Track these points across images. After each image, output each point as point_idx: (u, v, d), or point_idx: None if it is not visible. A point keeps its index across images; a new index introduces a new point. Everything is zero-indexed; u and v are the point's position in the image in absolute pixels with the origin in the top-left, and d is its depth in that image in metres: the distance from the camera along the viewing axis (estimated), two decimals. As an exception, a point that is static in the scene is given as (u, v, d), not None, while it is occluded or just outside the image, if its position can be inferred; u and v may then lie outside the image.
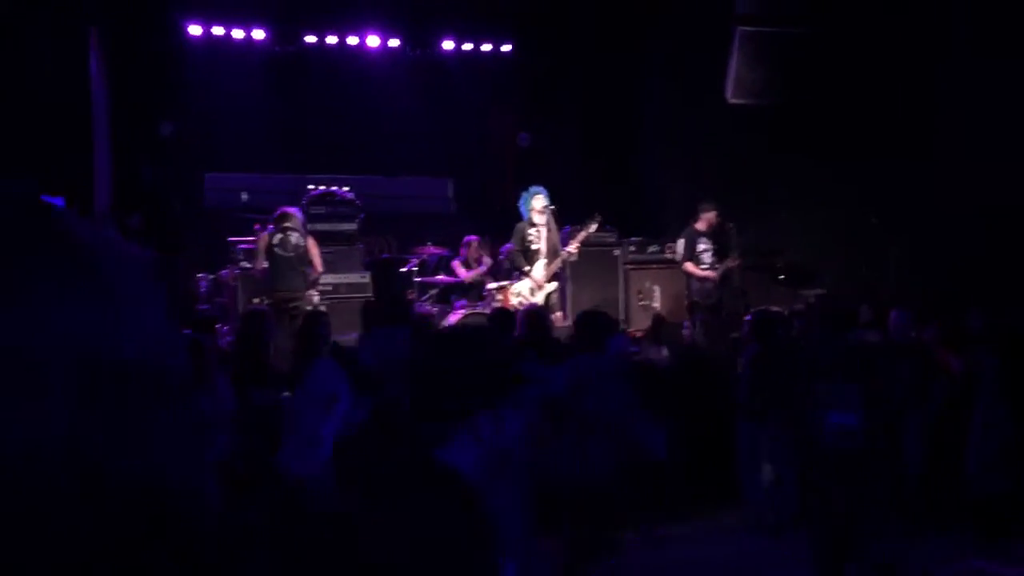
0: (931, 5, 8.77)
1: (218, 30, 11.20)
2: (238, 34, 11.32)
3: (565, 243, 9.17)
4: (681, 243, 9.69)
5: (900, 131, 9.53)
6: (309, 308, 8.07)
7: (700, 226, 9.67)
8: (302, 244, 8.46)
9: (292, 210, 8.73)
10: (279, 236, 8.40)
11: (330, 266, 9.27)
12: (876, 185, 10.08)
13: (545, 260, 9.05)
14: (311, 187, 10.80)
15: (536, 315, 6.62)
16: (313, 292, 8.70)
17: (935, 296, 9.04)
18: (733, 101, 9.43)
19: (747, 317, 7.06)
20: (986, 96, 8.97)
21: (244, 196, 11.53)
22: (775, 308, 7.78)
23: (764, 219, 10.63)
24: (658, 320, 8.44)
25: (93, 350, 0.55)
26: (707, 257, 9.64)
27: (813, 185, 10.51)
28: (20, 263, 0.55)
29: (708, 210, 9.65)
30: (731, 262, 9.66)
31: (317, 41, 11.63)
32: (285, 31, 11.50)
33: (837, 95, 9.44)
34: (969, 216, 9.11)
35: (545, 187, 9.40)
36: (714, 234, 9.73)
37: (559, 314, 9.14)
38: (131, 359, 0.57)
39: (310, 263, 8.51)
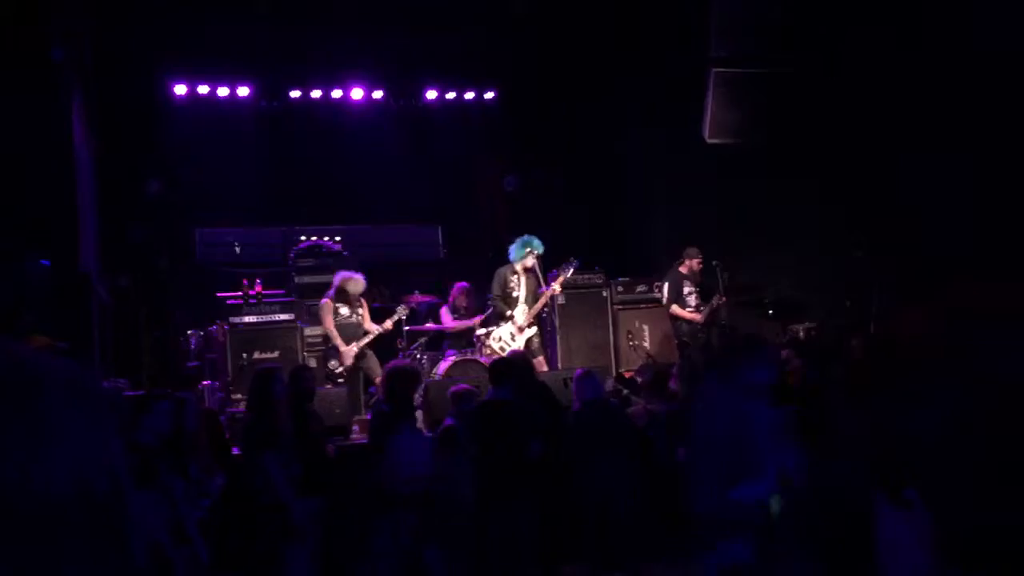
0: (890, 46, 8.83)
1: (203, 88, 11.33)
2: (223, 92, 11.45)
3: (547, 286, 9.25)
4: (666, 286, 9.89)
5: (875, 162, 9.59)
6: None
7: (683, 269, 9.92)
8: None
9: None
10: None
11: (317, 318, 9.27)
12: (860, 217, 10.10)
13: (525, 305, 9.17)
14: (302, 239, 10.87)
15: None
16: None
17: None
18: (711, 141, 9.53)
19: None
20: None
21: (237, 248, 11.50)
22: None
23: (751, 254, 10.65)
24: (660, 373, 7.64)
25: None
26: (692, 300, 9.90)
27: (798, 219, 10.54)
28: None
29: (691, 254, 9.92)
30: (716, 301, 9.77)
31: (301, 96, 11.74)
32: (269, 87, 11.61)
33: (814, 132, 9.51)
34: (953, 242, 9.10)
35: (532, 230, 9.49)
36: (697, 277, 9.94)
37: (540, 358, 9.18)
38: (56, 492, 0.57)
39: None
